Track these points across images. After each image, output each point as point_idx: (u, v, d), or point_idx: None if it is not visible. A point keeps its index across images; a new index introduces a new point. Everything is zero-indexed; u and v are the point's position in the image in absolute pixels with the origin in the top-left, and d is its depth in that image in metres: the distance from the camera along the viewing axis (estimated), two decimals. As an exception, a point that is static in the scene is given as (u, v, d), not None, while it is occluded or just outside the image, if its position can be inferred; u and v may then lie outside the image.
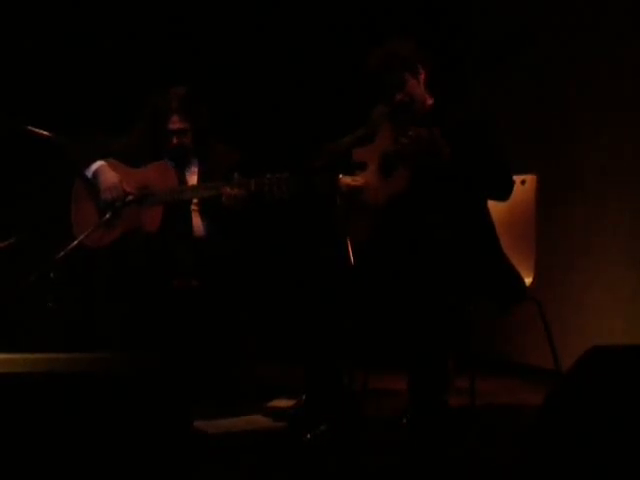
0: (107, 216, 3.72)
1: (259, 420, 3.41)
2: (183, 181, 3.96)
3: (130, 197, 3.80)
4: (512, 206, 3.63)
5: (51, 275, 3.50)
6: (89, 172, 3.90)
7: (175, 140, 3.88)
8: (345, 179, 3.47)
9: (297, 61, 5.00)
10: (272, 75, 4.99)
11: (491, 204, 3.42)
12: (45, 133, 3.90)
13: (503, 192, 3.32)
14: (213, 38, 4.95)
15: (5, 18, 4.69)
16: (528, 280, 3.48)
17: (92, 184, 3.89)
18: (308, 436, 3.12)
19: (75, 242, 3.61)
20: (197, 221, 3.93)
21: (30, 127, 3.90)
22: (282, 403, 3.47)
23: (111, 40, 4.84)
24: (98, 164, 3.90)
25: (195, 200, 3.91)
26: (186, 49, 4.89)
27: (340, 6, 5.02)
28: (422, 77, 3.36)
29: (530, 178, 3.68)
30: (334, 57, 4.93)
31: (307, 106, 4.96)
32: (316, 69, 4.97)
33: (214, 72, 4.91)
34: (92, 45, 4.82)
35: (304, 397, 3.33)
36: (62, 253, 3.54)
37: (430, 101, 3.40)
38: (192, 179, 3.98)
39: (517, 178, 3.69)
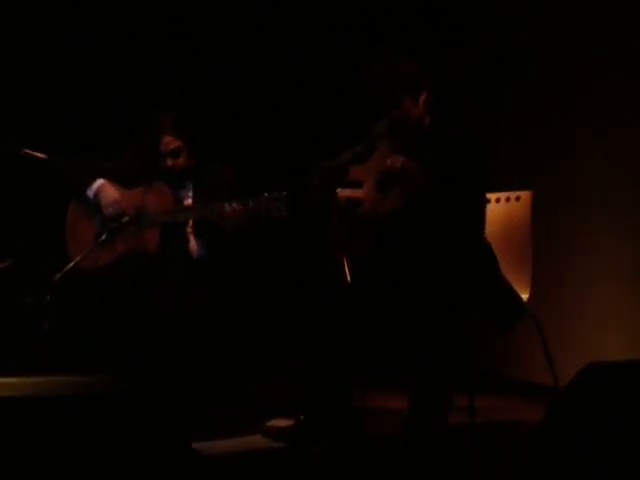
0: (103, 237, 3.72)
1: (258, 440, 3.39)
2: (179, 202, 3.96)
3: (126, 218, 3.80)
4: (508, 222, 3.64)
5: (47, 298, 3.50)
6: (90, 191, 3.91)
7: (170, 162, 3.88)
8: (344, 192, 3.47)
9: (295, 75, 5.00)
10: (269, 90, 4.99)
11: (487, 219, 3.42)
12: (41, 155, 3.91)
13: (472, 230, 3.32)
14: (209, 51, 4.95)
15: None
16: (525, 296, 3.48)
17: (90, 205, 3.90)
18: (308, 455, 3.11)
19: (71, 264, 3.60)
20: (193, 242, 3.93)
21: (26, 149, 3.90)
22: (281, 423, 3.45)
23: (106, 54, 4.84)
24: (99, 182, 3.91)
25: (190, 222, 3.91)
26: (182, 62, 4.89)
27: (338, 17, 5.02)
28: (422, 98, 3.32)
29: (525, 194, 3.69)
30: (332, 71, 4.93)
31: (305, 122, 4.96)
32: (314, 84, 4.98)
33: (211, 87, 4.91)
34: (86, 64, 4.82)
35: (302, 416, 3.32)
36: (58, 275, 3.54)
37: (429, 121, 3.38)
38: (187, 200, 3.98)
39: (512, 194, 3.70)
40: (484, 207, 3.35)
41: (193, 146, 3.91)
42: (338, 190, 3.47)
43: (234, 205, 3.70)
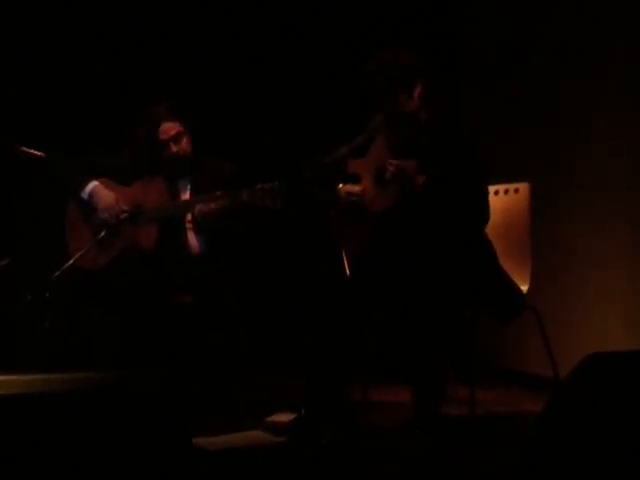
0: (102, 234, 3.72)
1: (259, 436, 3.39)
2: (176, 197, 3.95)
3: (125, 215, 3.79)
4: (506, 215, 3.64)
5: (47, 295, 3.50)
6: (84, 193, 3.89)
7: (174, 148, 3.86)
8: (345, 187, 3.46)
9: (292, 71, 5.00)
10: (267, 85, 4.99)
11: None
12: (38, 153, 3.89)
13: (478, 221, 3.31)
14: (206, 49, 4.95)
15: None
16: (524, 288, 3.48)
17: (87, 205, 3.89)
18: (309, 450, 3.11)
19: (70, 261, 3.60)
20: (192, 238, 3.92)
21: (23, 147, 3.89)
22: (282, 418, 3.45)
23: (102, 55, 4.84)
24: (93, 184, 3.89)
25: (189, 217, 3.90)
26: (177, 62, 4.89)
27: (334, 17, 5.02)
28: (418, 91, 3.31)
29: (523, 186, 3.69)
30: (329, 68, 4.93)
31: (303, 115, 4.95)
32: (311, 79, 4.97)
33: (207, 81, 4.90)
34: (81, 61, 4.82)
35: (303, 411, 3.31)
36: (57, 273, 3.54)
37: (425, 115, 3.36)
38: (185, 195, 3.97)
39: (510, 187, 3.70)
40: (486, 198, 3.35)
41: (191, 129, 3.89)
42: (340, 186, 3.47)
43: (227, 198, 3.69)
